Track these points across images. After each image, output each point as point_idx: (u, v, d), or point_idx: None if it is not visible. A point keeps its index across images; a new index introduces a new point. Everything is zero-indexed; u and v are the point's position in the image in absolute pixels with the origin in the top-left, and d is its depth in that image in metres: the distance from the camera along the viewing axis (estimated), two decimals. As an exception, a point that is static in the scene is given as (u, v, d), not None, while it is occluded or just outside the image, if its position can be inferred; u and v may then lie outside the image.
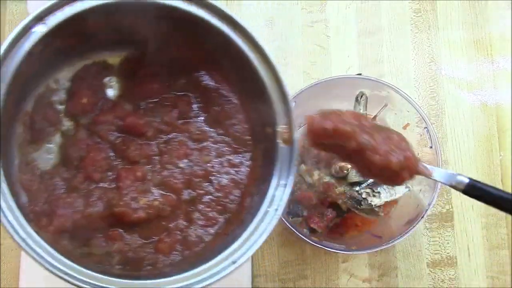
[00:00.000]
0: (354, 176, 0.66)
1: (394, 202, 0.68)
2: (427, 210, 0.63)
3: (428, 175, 0.49)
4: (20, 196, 0.53)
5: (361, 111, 0.66)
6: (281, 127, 0.53)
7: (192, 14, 0.52)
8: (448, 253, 0.74)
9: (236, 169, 0.59)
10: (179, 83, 0.61)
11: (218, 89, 0.60)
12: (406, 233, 0.62)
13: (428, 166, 0.50)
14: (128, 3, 0.52)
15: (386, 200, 0.65)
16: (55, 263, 0.46)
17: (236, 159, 0.60)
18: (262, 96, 0.54)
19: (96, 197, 0.55)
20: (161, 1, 0.52)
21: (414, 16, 0.80)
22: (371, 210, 0.66)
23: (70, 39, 0.53)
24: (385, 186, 0.66)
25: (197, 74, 0.61)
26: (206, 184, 0.59)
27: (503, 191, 0.48)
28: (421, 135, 0.66)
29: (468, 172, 0.76)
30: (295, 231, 0.62)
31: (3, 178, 0.47)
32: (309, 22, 0.78)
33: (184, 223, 0.57)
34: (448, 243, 0.74)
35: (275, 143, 0.53)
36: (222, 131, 0.60)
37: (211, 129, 0.61)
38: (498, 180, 0.77)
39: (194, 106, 0.61)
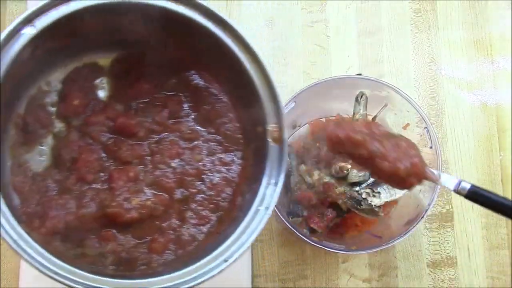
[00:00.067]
0: (354, 176, 0.66)
1: (394, 202, 0.68)
2: (427, 210, 0.63)
3: (434, 181, 0.52)
4: (13, 198, 0.53)
5: (361, 111, 0.66)
6: (271, 126, 0.53)
7: (182, 14, 0.52)
8: (448, 253, 0.74)
9: (227, 167, 0.60)
10: (170, 83, 0.61)
11: (208, 88, 0.61)
12: (406, 233, 0.62)
13: (434, 171, 0.52)
14: (117, 4, 0.52)
15: (386, 200, 0.65)
16: (47, 264, 0.46)
17: (227, 157, 0.60)
18: (253, 95, 0.54)
19: (89, 198, 0.56)
20: (152, 2, 0.52)
21: (414, 16, 0.80)
22: (371, 210, 0.66)
23: (60, 40, 0.53)
24: (385, 186, 0.66)
25: (187, 73, 0.61)
26: (198, 183, 0.59)
27: (504, 198, 0.49)
28: (421, 135, 0.66)
29: (468, 172, 0.77)
30: (295, 231, 0.62)
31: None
32: (309, 22, 0.78)
33: (177, 222, 0.58)
34: (448, 243, 0.74)
35: (266, 142, 0.53)
36: (213, 130, 0.60)
37: (202, 128, 0.61)
38: (498, 180, 0.77)
39: (185, 105, 0.61)
